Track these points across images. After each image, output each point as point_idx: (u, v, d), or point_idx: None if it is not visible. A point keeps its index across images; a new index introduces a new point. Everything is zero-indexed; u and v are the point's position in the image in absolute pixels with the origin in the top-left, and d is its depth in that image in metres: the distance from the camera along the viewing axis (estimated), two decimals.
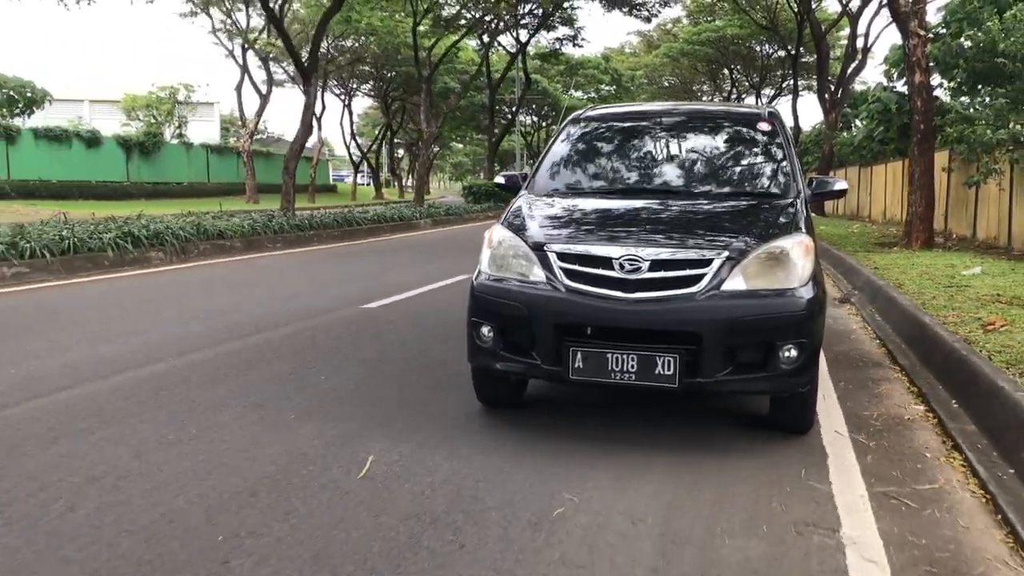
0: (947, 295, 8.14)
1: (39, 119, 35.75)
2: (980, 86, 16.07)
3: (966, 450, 4.11)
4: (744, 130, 5.56)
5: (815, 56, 30.66)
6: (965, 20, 16.36)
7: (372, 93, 55.78)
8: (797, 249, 4.13)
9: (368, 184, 68.12)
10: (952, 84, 16.94)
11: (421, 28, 36.25)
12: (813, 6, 31.06)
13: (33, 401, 4.78)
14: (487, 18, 31.87)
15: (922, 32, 14.70)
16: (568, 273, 4.12)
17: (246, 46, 36.97)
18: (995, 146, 13.61)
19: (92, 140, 34.62)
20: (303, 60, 18.54)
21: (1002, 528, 3.35)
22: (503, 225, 4.64)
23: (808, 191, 5.00)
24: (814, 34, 28.28)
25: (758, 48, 43.65)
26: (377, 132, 63.16)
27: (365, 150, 58.60)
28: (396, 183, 72.89)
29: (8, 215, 20.62)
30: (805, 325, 3.98)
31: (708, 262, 4.01)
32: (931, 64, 15.83)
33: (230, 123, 60.21)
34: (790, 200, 4.77)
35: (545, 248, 4.24)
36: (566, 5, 29.93)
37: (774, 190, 5.00)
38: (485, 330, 4.31)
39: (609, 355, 3.96)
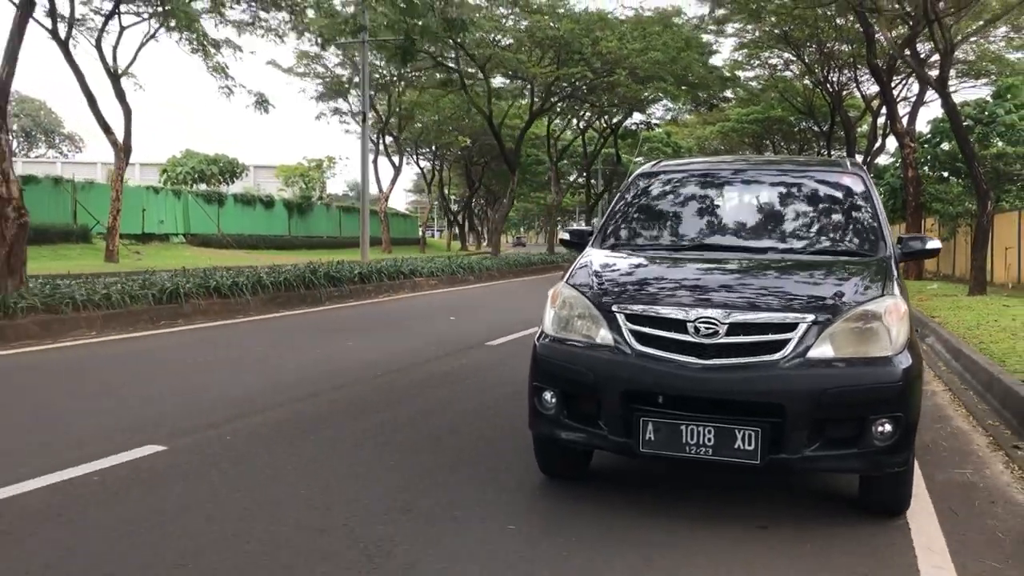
0: (912, 293, 17.35)
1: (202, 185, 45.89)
2: (952, 178, 25.59)
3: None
4: (828, 184, 5.23)
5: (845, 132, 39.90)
6: (943, 133, 25.82)
7: (456, 160, 65.91)
8: (890, 313, 3.86)
9: (437, 236, 78.42)
10: (936, 175, 26.39)
11: (502, 108, 46.13)
12: (843, 94, 40.46)
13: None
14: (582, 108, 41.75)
15: (913, 144, 24.07)
16: (638, 336, 3.91)
17: (381, 126, 46.91)
18: (957, 216, 23.01)
19: (268, 203, 44.56)
20: (509, 156, 28.33)
21: None
22: (567, 283, 4.39)
23: (897, 250, 4.72)
24: (844, 125, 37.61)
25: (796, 123, 53.00)
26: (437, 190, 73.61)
27: (455, 210, 68.66)
28: (474, 236, 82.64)
29: (260, 261, 30.06)
30: (901, 397, 3.72)
31: (793, 326, 3.78)
32: (920, 161, 25.15)
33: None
34: (879, 259, 4.50)
35: (613, 309, 4.03)
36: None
37: (862, 249, 4.70)
38: (548, 396, 4.09)
39: (683, 427, 3.72)
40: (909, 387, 3.75)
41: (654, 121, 45.40)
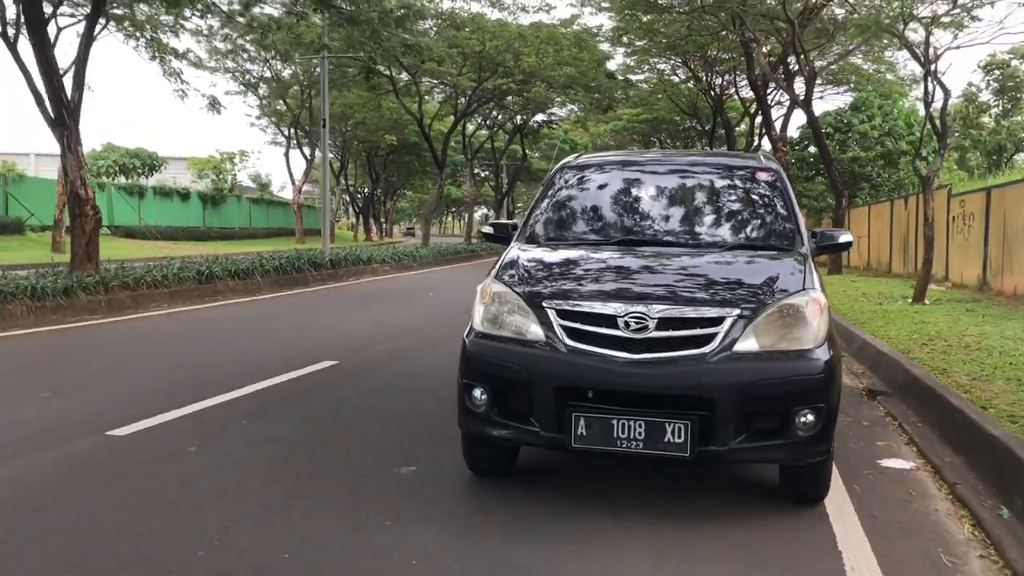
0: None
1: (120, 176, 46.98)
2: (818, 177, 30.24)
3: None
4: (747, 179, 5.41)
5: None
6: (809, 139, 30.40)
7: (357, 153, 68.03)
8: (811, 307, 4.01)
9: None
10: (804, 174, 31.01)
11: (432, 108, 49.17)
12: (724, 96, 45.10)
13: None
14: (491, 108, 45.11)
15: (784, 148, 28.41)
16: (569, 332, 3.99)
17: (291, 123, 48.97)
18: (821, 210, 27.52)
19: (184, 195, 46.07)
20: (438, 155, 31.31)
21: None
22: (496, 278, 4.43)
23: (812, 244, 4.91)
24: (725, 125, 42.18)
25: (681, 122, 57.71)
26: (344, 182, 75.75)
27: (360, 202, 70.89)
28: (376, 227, 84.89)
29: (188, 252, 32.15)
30: (823, 389, 3.88)
31: (720, 320, 3.89)
32: (791, 162, 29.57)
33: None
34: (797, 253, 4.64)
35: (544, 304, 4.09)
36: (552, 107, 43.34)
37: (780, 243, 4.84)
38: (478, 393, 4.14)
39: (615, 421, 3.81)
40: (830, 379, 3.90)
41: (554, 120, 49.07)
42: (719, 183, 5.41)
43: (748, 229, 5.08)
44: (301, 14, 19.05)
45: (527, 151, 51.23)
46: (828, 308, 4.13)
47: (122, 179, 43.85)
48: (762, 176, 5.32)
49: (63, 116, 13.01)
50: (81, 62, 13.74)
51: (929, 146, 21.65)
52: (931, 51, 14.00)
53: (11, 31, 14.51)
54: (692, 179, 5.46)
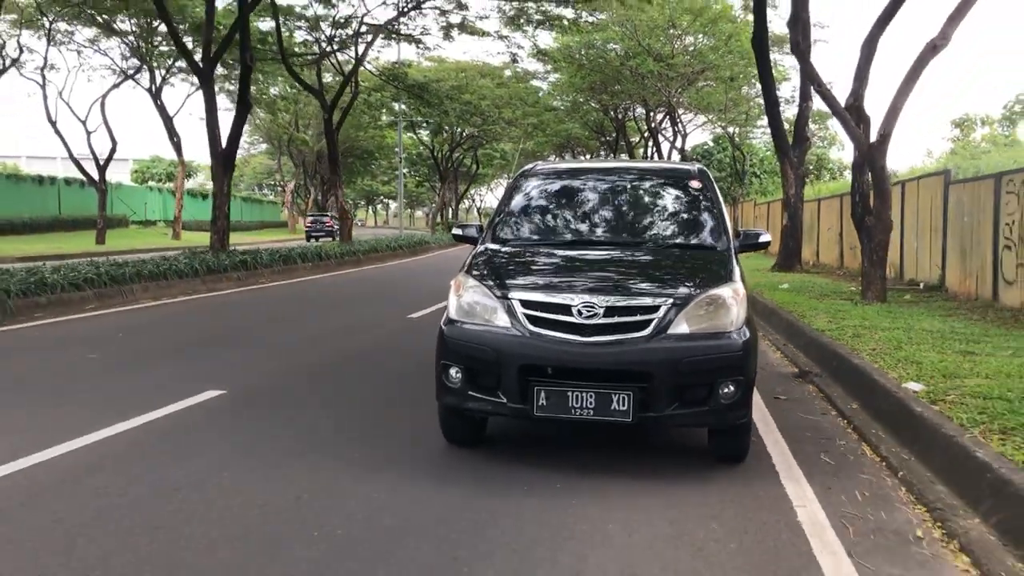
0: None
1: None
2: None
3: None
4: (680, 186, 6.29)
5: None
6: (702, 157, 47.10)
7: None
8: (733, 296, 4.87)
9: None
10: None
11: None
12: (624, 119, 60.93)
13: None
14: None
15: None
16: (531, 319, 4.81)
17: (284, 135, 62.58)
18: None
19: (204, 196, 59.49)
20: (441, 173, 46.81)
21: None
22: (468, 274, 5.27)
23: (736, 242, 5.76)
24: (626, 144, 58.27)
25: (589, 138, 73.36)
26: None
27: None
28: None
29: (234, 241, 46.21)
30: (741, 364, 4.71)
31: (656, 308, 4.71)
32: None
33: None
34: (723, 250, 5.58)
35: (509, 296, 4.91)
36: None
37: (709, 242, 5.77)
38: (453, 372, 4.93)
39: (569, 393, 4.62)
40: (748, 355, 4.77)
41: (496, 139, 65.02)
42: (658, 189, 6.47)
43: (682, 229, 6.05)
44: (396, 96, 34.32)
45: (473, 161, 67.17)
46: (747, 297, 4.97)
47: (168, 184, 57.34)
48: (694, 184, 6.24)
49: (336, 168, 27.84)
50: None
51: (737, 181, 38.57)
52: (736, 136, 30.65)
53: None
54: (635, 186, 6.54)
